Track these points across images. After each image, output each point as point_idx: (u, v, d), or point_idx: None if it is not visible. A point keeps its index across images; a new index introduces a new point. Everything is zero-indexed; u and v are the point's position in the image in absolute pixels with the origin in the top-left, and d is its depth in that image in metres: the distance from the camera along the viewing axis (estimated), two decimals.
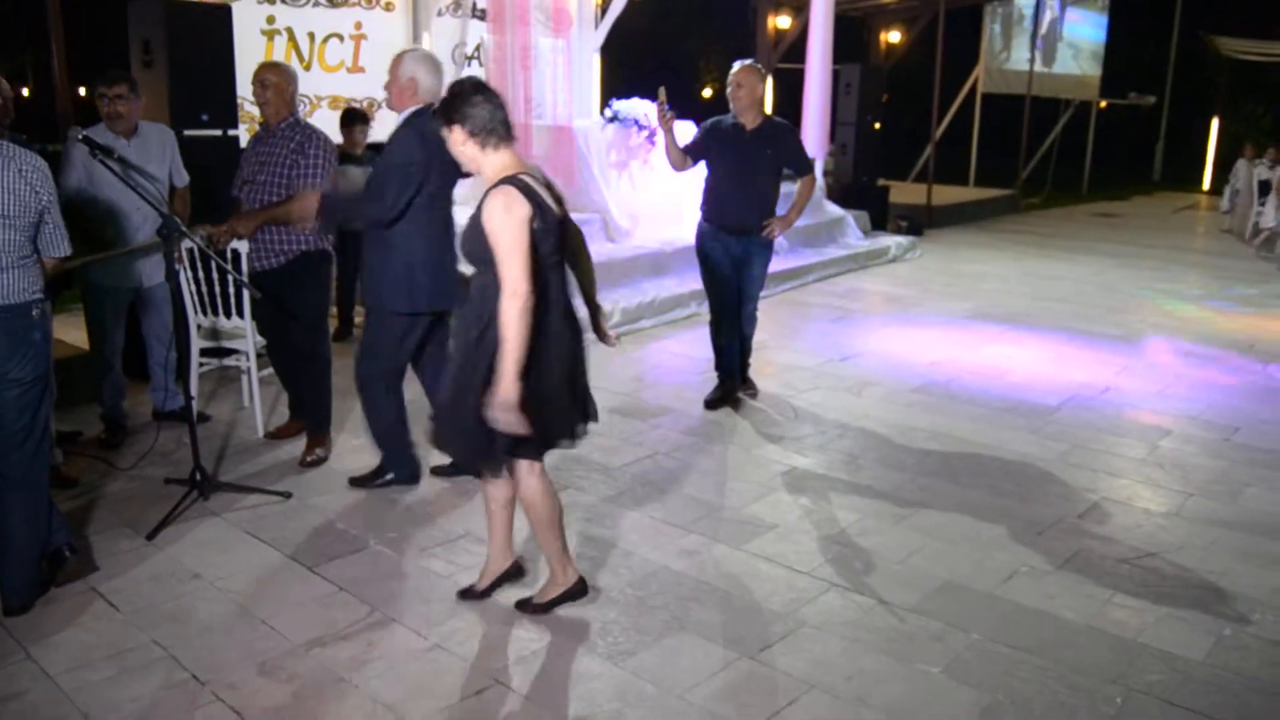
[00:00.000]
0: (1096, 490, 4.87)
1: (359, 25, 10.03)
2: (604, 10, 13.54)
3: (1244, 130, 24.49)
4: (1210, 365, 7.28)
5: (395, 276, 4.36)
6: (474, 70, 11.11)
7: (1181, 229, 16.65)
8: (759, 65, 5.82)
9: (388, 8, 10.31)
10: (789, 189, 6.22)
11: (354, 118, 7.29)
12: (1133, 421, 5.98)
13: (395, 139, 4.35)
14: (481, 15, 10.57)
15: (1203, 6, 24.91)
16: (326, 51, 9.51)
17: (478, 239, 3.16)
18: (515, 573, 3.78)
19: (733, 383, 6.10)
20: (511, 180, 3.17)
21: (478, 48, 11.01)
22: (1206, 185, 22.75)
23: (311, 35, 9.55)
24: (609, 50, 14.04)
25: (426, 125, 4.08)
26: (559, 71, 10.08)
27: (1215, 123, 23.71)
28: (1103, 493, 4.85)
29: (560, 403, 3.31)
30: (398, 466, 4.77)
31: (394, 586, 3.79)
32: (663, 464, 5.07)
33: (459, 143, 3.28)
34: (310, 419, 5.14)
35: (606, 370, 6.73)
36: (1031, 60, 18.52)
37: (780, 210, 5.91)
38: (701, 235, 5.96)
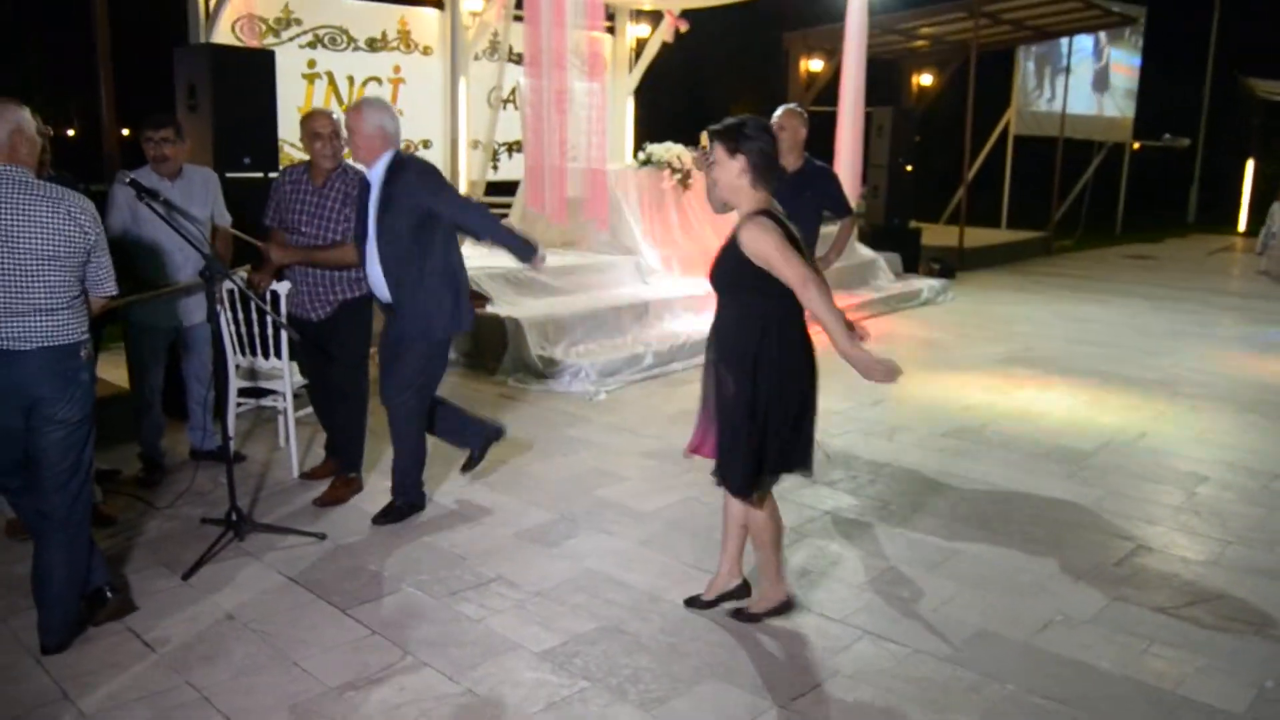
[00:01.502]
0: (1133, 538, 4.82)
1: (397, 69, 10.23)
2: (638, 55, 13.74)
3: (1278, 172, 24.32)
4: (1248, 411, 7.19)
5: (444, 304, 4.62)
6: (509, 114, 11.28)
7: (1217, 271, 16.51)
8: (801, 109, 6.00)
9: (426, 52, 10.51)
10: (827, 230, 6.29)
11: None
12: (1169, 468, 5.91)
13: (414, 181, 4.48)
14: (518, 59, 10.74)
15: (1237, 49, 24.87)
16: (366, 94, 9.67)
17: (734, 264, 3.52)
18: (740, 591, 3.97)
19: None
20: (763, 213, 3.53)
21: (513, 91, 11.19)
22: (1242, 227, 22.58)
23: (351, 79, 9.75)
24: (642, 94, 14.21)
25: None
26: (593, 115, 10.19)
27: (1250, 164, 23.55)
28: (1139, 540, 4.80)
29: (803, 429, 3.67)
30: (416, 495, 4.93)
31: (426, 630, 3.80)
32: (695, 509, 5.06)
33: (736, 172, 3.58)
34: (344, 457, 5.20)
35: (638, 413, 6.76)
36: (1065, 103, 18.51)
37: (820, 252, 5.99)
38: None
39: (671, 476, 5.50)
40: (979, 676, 3.53)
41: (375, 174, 4.53)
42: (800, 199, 5.83)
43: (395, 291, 4.59)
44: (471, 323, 4.87)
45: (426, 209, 4.47)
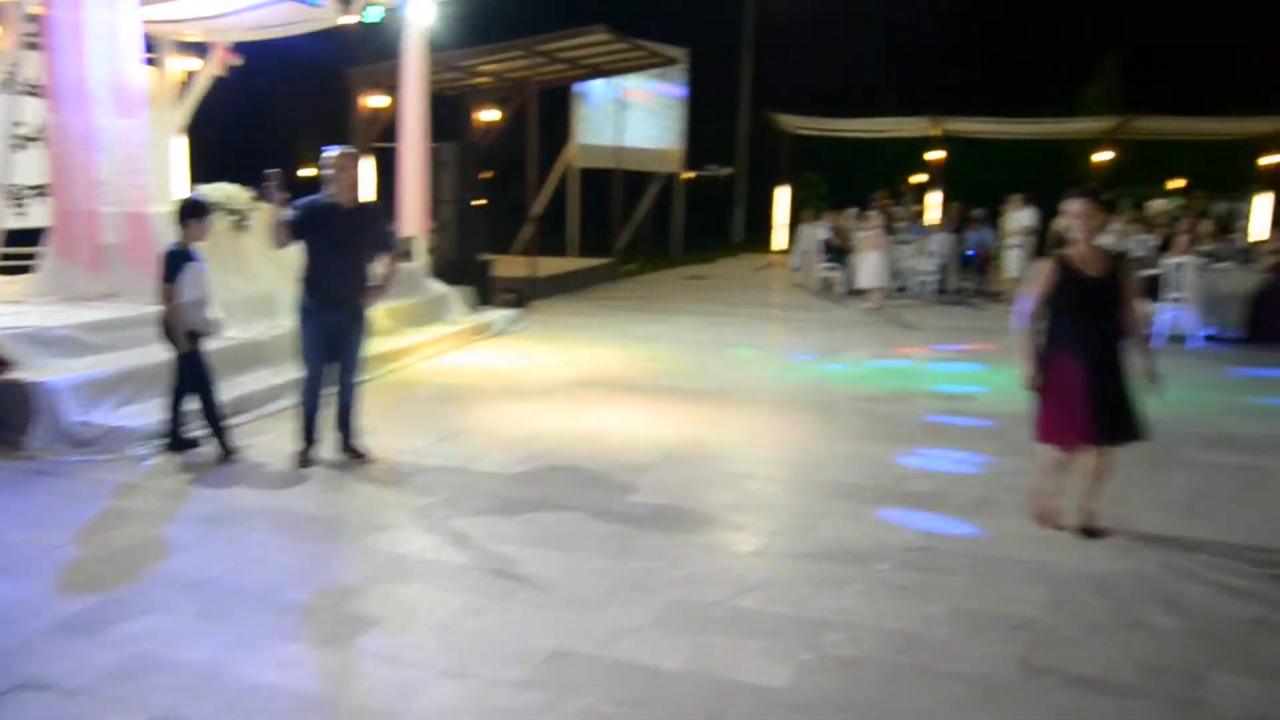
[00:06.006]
0: (691, 539, 5.15)
1: None
2: (185, 90, 12.87)
3: (806, 196, 27.52)
4: (789, 410, 7.99)
5: None
6: (36, 151, 10.10)
7: (762, 286, 18.33)
8: (354, 150, 6.31)
9: None
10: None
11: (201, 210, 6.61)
12: (722, 470, 6.41)
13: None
14: (36, 92, 9.66)
15: (766, 88, 27.92)
16: None
17: None
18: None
19: (314, 447, 6.43)
20: None
21: (40, 129, 10.03)
22: (780, 245, 25.23)
23: None
24: (195, 131, 13.33)
25: None
26: (132, 154, 9.38)
27: (783, 190, 26.40)
28: (697, 541, 5.14)
29: None
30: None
31: None
32: (259, 570, 4.75)
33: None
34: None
35: (189, 471, 6.26)
36: (618, 138, 19.72)
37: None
38: (304, 311, 6.25)
39: (235, 538, 5.13)
40: (554, 696, 3.59)
41: None
42: (360, 236, 6.26)
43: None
44: None
45: None
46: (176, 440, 6.59)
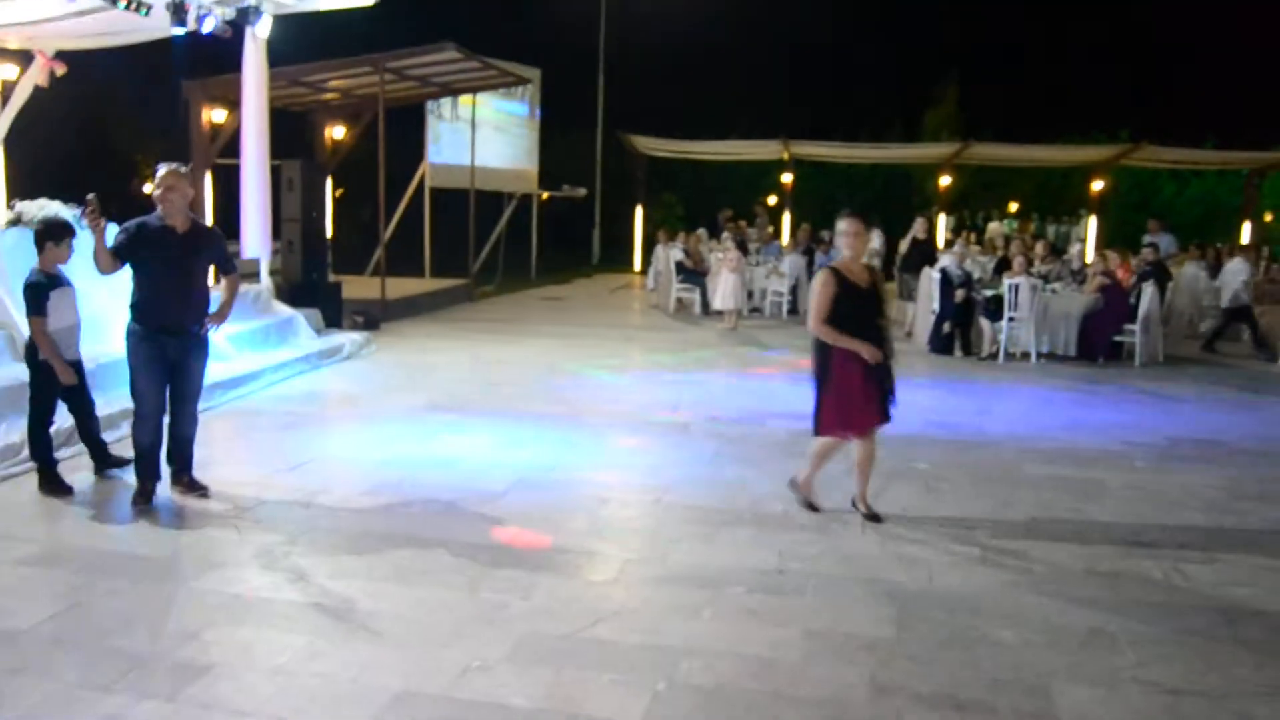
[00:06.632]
0: (545, 568, 5.04)
1: None
2: (4, 98, 12.12)
3: (663, 217, 27.82)
4: (641, 432, 7.98)
5: None
6: None
7: (618, 307, 18.37)
8: (184, 168, 5.90)
9: None
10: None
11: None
12: (575, 494, 6.33)
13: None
14: None
15: (620, 109, 28.12)
16: None
17: None
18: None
19: (155, 482, 6.03)
20: None
21: None
22: (637, 266, 25.38)
23: None
24: (14, 143, 12.58)
25: None
26: None
27: (639, 210, 26.58)
28: (550, 569, 5.04)
29: None
30: None
31: None
32: (82, 616, 4.42)
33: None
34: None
35: (14, 513, 5.82)
36: (472, 157, 19.49)
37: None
38: (134, 337, 5.86)
39: (52, 584, 4.77)
40: None
41: None
42: (195, 259, 5.99)
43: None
44: None
45: None
46: (107, 460, 6.51)
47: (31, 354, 6.10)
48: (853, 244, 5.65)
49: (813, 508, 6.00)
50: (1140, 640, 4.36)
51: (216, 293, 6.26)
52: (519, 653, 4.13)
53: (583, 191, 27.15)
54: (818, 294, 5.64)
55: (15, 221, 8.87)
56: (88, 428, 6.46)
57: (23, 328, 8.01)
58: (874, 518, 5.83)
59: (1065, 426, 8.55)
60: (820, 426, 5.80)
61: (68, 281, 6.18)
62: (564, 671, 3.97)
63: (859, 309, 5.60)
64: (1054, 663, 4.13)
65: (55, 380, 6.07)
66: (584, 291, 20.89)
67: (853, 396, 5.61)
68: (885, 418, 5.75)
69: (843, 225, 5.68)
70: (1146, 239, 17.53)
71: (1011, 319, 11.91)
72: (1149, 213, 25.40)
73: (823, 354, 5.67)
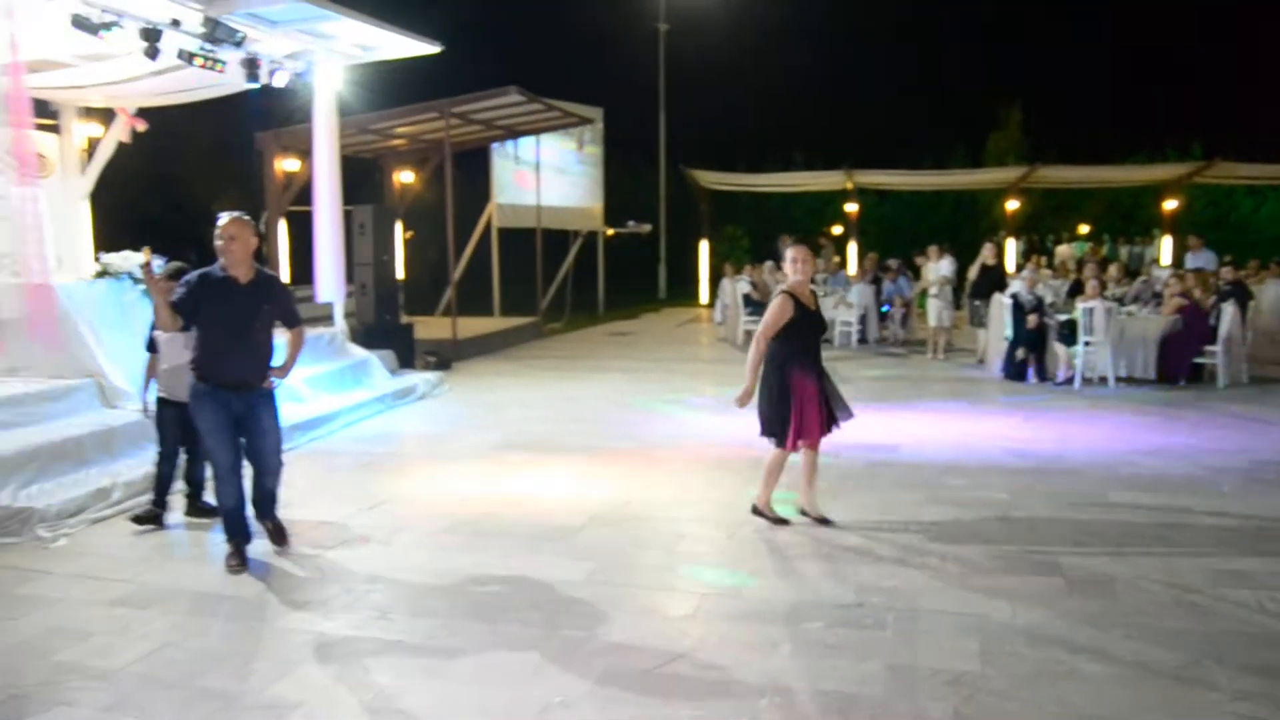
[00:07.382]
0: (622, 604, 5.05)
1: None
2: (91, 154, 12.60)
3: (728, 250, 27.89)
4: (714, 469, 7.96)
5: None
6: None
7: (685, 340, 18.39)
8: (244, 215, 5.69)
9: None
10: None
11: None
12: (651, 530, 6.33)
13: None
14: None
15: (682, 145, 28.34)
16: None
17: None
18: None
19: (246, 542, 5.87)
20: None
21: None
22: (704, 300, 25.42)
23: None
24: (101, 198, 13.06)
25: None
26: (33, 223, 9.11)
27: (704, 244, 26.68)
28: (628, 605, 5.04)
29: None
30: None
31: None
32: (173, 656, 4.54)
33: None
34: None
35: (105, 556, 6.00)
36: (538, 197, 19.75)
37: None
38: (198, 397, 5.67)
39: (144, 624, 4.90)
40: None
41: None
42: (258, 311, 5.73)
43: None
44: None
45: None
46: (200, 506, 6.73)
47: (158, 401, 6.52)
48: (802, 269, 6.18)
49: (782, 521, 6.36)
50: (1234, 672, 4.23)
51: (281, 341, 5.99)
52: (599, 689, 4.14)
53: (648, 227, 27.34)
54: (774, 314, 6.15)
55: (102, 274, 9.20)
56: (192, 470, 6.64)
57: (111, 377, 8.33)
58: (825, 522, 6.29)
59: (1148, 452, 8.34)
60: (787, 439, 6.17)
61: None
62: (646, 708, 3.97)
63: (810, 328, 6.26)
64: (1145, 698, 4.02)
65: (173, 422, 6.39)
66: (651, 326, 20.96)
67: (815, 406, 6.13)
68: (830, 429, 6.29)
69: (790, 253, 6.20)
70: (1189, 258, 17.17)
71: (1088, 343, 11.69)
72: (1226, 231, 24.86)
73: (780, 371, 6.13)
